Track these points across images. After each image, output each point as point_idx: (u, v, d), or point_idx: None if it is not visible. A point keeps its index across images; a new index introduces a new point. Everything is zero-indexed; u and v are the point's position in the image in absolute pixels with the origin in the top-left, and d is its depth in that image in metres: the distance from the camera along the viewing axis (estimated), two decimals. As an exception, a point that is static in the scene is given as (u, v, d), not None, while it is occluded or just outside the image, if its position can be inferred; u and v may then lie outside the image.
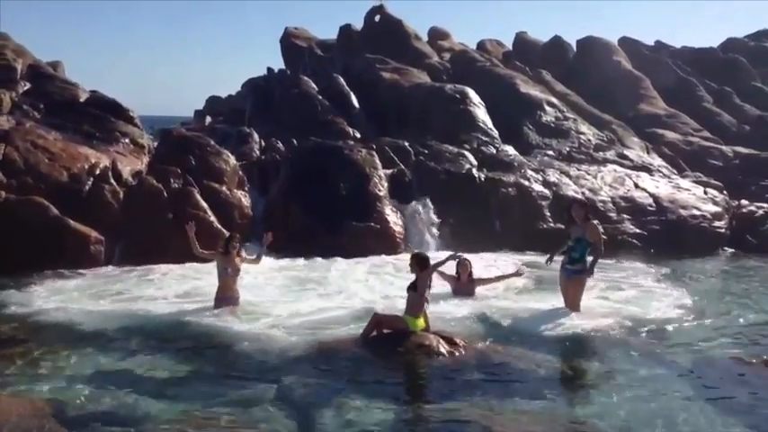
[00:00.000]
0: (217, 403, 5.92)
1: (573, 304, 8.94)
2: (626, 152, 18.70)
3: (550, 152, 18.02)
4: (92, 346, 7.46)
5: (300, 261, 12.42)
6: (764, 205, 16.79)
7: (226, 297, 8.93)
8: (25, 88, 15.79)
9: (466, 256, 10.48)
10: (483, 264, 12.11)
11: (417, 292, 7.69)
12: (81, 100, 15.81)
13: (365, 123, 18.86)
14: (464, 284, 10.05)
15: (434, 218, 14.53)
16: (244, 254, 9.75)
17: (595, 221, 9.57)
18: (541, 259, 10.00)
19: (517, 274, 10.58)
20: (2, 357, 7.05)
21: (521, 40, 27.04)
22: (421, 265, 7.80)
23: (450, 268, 9.96)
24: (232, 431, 5.42)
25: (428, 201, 14.74)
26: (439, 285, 9.42)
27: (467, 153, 16.39)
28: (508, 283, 10.67)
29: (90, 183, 12.70)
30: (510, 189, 15.25)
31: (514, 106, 19.46)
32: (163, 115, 51.05)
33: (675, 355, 7.55)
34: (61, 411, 5.53)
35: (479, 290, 10.12)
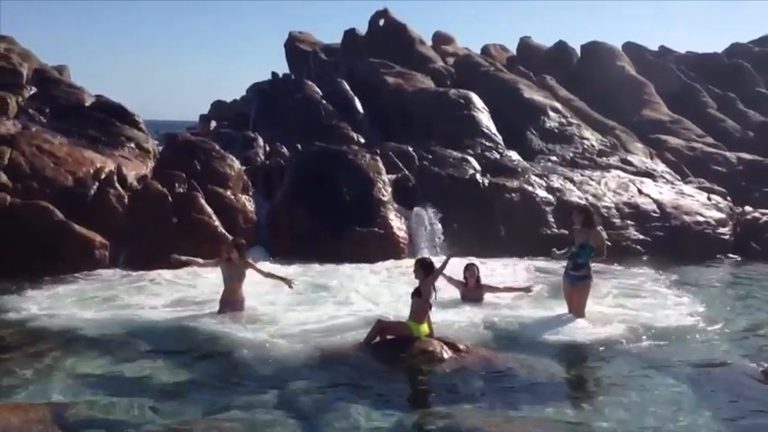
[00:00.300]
0: (219, 410, 5.91)
1: (577, 310, 8.95)
2: (629, 158, 18.72)
3: (554, 158, 18.05)
4: (92, 353, 7.43)
5: (306, 267, 12.33)
6: (768, 211, 16.75)
7: (230, 301, 8.92)
8: (31, 92, 15.82)
9: (473, 260, 10.50)
10: (494, 270, 12.02)
11: (422, 298, 7.67)
12: (86, 104, 15.85)
13: (369, 128, 18.89)
14: (472, 290, 10.02)
15: (438, 223, 14.48)
16: (251, 260, 9.64)
17: (599, 228, 9.60)
18: (550, 265, 9.99)
19: (526, 289, 10.43)
20: (1, 363, 7.04)
21: (525, 44, 27.02)
22: (425, 270, 7.77)
23: (458, 273, 9.98)
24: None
25: (432, 206, 14.72)
26: (447, 291, 9.38)
27: (470, 158, 16.42)
28: None
29: (95, 187, 12.73)
30: (514, 194, 15.21)
31: (518, 111, 19.49)
32: (166, 119, 51.18)
33: (689, 364, 7.42)
34: (60, 418, 5.51)
35: (487, 296, 10.07)
